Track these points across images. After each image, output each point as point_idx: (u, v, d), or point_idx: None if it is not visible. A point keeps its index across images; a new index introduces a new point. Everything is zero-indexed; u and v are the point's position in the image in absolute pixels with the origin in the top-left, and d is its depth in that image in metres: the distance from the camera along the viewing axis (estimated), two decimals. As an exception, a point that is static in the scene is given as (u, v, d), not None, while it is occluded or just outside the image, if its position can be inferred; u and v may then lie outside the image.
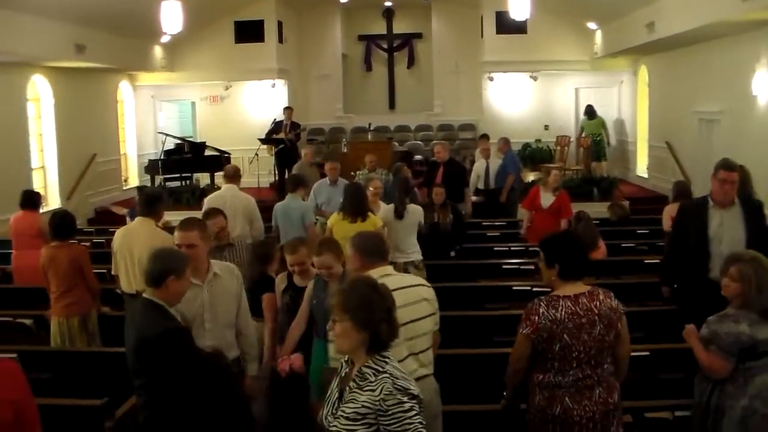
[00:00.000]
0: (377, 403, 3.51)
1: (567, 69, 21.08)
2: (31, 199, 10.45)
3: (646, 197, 18.24)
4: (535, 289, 8.80)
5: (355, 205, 8.93)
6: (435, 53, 23.55)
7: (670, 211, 10.72)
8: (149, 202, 7.98)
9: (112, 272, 7.92)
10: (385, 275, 4.95)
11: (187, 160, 18.68)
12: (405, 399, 3.52)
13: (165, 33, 15.71)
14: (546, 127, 21.60)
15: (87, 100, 18.85)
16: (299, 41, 23.49)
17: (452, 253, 10.87)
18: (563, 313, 4.63)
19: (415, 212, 9.88)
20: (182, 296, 4.93)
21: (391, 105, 24.53)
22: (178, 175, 18.49)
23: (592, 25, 20.08)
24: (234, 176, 9.88)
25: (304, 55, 23.68)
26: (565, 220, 11.11)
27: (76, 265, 7.81)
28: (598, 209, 14.85)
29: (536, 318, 4.66)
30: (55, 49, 15.33)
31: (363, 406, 3.54)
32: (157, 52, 20.51)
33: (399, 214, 9.64)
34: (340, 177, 11.83)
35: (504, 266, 10.08)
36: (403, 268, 9.20)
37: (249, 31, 21.00)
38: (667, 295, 7.94)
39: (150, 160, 19.20)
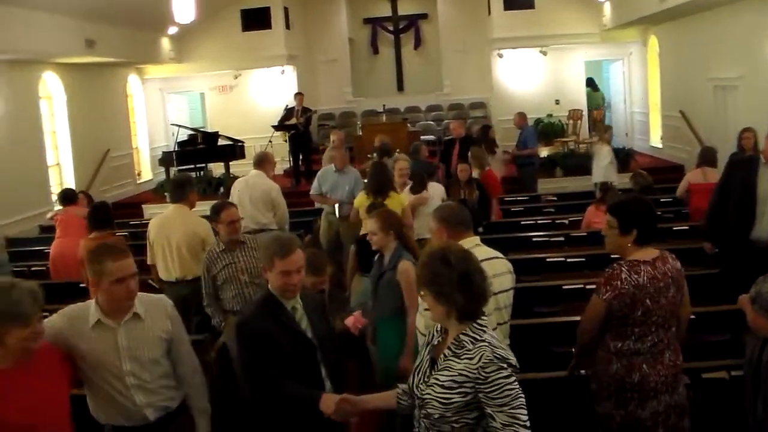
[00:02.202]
0: (476, 371, 3.48)
1: (576, 42, 20.93)
2: (69, 196, 10.61)
3: (662, 167, 18.17)
4: (569, 260, 8.82)
5: (379, 184, 8.91)
6: (442, 33, 23.42)
7: (690, 178, 10.71)
8: (178, 188, 7.95)
9: (148, 262, 7.90)
10: (474, 246, 4.94)
11: (201, 151, 18.62)
12: (504, 366, 3.48)
13: (176, 23, 15.71)
14: (557, 102, 21.48)
15: (97, 95, 18.85)
16: (305, 27, 23.41)
17: (480, 229, 10.83)
18: (645, 278, 4.58)
19: (437, 190, 9.91)
20: None
21: (400, 87, 24.44)
22: (192, 165, 18.47)
23: (600, -3, 20.00)
24: (261, 162, 9.80)
25: (311, 40, 23.60)
26: None
27: (112, 256, 7.78)
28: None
29: (618, 283, 4.60)
30: (66, 44, 15.33)
31: (460, 374, 3.52)
32: (165, 44, 20.48)
33: (417, 191, 9.65)
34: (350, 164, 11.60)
35: (534, 239, 10.05)
36: None
37: (256, 19, 20.95)
38: (710, 251, 7.89)
39: (164, 152, 19.17)
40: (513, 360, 3.55)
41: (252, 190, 9.44)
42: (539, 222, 11.45)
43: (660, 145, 19.93)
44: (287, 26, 21.45)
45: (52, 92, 17.25)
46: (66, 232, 10.33)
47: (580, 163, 17.79)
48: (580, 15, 20.59)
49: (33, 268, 10.95)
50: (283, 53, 21.10)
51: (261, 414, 4.45)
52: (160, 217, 7.97)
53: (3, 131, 14.70)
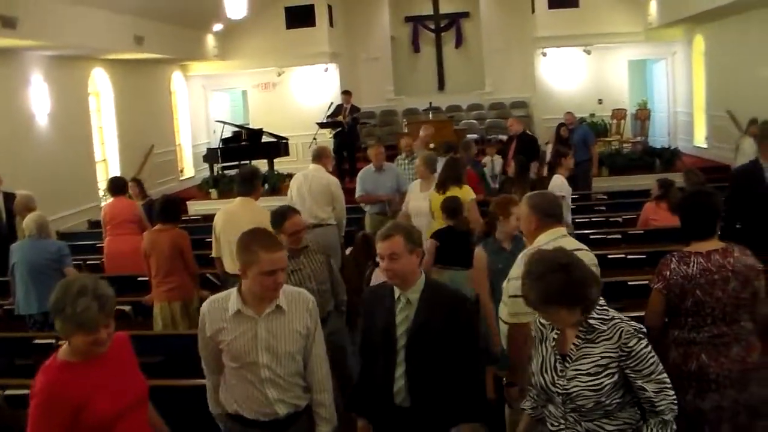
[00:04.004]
0: (617, 349, 3.53)
1: (620, 41, 20.81)
2: (119, 185, 10.62)
3: (708, 167, 18.00)
4: (629, 257, 8.76)
5: (446, 176, 8.94)
6: (484, 31, 23.35)
7: (649, 212, 10.06)
8: (246, 181, 7.99)
9: (214, 255, 7.93)
10: (561, 236, 4.94)
11: (245, 148, 18.69)
12: (641, 337, 3.55)
13: (221, 20, 15.77)
14: (600, 101, 21.38)
15: (143, 91, 19.00)
16: (348, 25, 23.45)
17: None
18: (695, 268, 4.62)
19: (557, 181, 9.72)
20: None
21: (441, 86, 24.37)
22: (236, 162, 18.54)
23: (646, -5, 19.87)
24: (320, 156, 9.80)
25: (353, 38, 23.64)
26: None
27: (177, 250, 7.82)
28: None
29: (667, 273, 4.68)
30: (116, 40, 15.49)
31: (602, 357, 3.55)
32: (209, 41, 20.62)
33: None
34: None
35: (591, 237, 9.99)
36: None
37: (300, 16, 21.02)
38: None
39: (208, 149, 19.28)
40: (644, 328, 3.62)
41: (311, 184, 9.45)
42: (593, 220, 11.39)
43: (705, 145, 19.76)
44: (331, 24, 21.50)
45: (100, 88, 17.39)
46: (116, 230, 10.40)
47: (626, 163, 17.70)
48: (624, 13, 20.50)
49: (88, 262, 11.04)
50: (327, 51, 21.17)
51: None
52: (226, 209, 8.00)
53: (54, 127, 14.84)
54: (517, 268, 4.68)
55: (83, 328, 3.59)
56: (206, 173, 19.81)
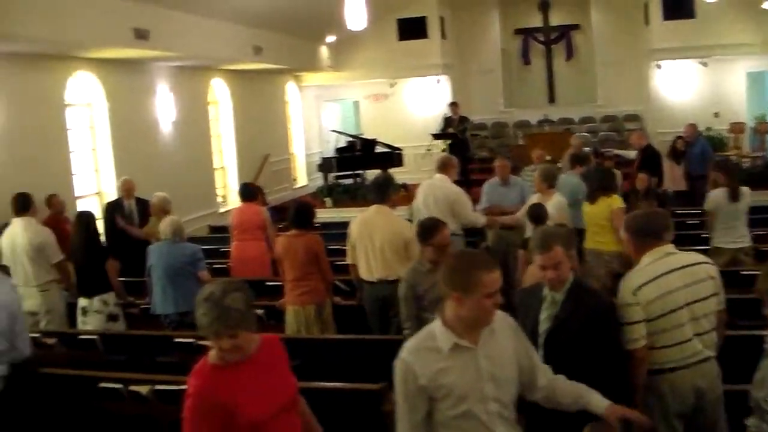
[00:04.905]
0: None
1: (738, 53, 20.30)
2: (249, 191, 10.85)
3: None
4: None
5: (596, 185, 8.89)
6: (596, 44, 23.11)
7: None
8: (380, 189, 8.05)
9: (349, 261, 8.03)
10: (665, 255, 4.80)
11: (359, 158, 18.88)
12: None
13: (335, 32, 15.99)
14: (716, 114, 20.90)
15: (259, 101, 19.39)
16: (459, 37, 23.48)
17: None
18: None
19: (747, 195, 9.45)
20: None
21: (551, 98, 24.21)
22: (350, 172, 18.73)
23: (768, 5, 19.36)
24: (445, 166, 9.76)
25: (464, 50, 23.66)
26: None
27: (311, 254, 7.91)
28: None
29: None
30: (236, 51, 15.91)
31: None
32: (323, 52, 20.89)
33: (734, 196, 9.18)
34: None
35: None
36: (732, 255, 9.10)
37: (412, 28, 21.17)
38: None
39: (323, 158, 19.56)
40: None
41: (436, 193, 9.45)
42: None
43: (829, 160, 19.17)
44: (443, 36, 21.60)
45: (218, 97, 17.80)
46: (243, 235, 10.61)
47: (745, 178, 17.27)
48: (743, 24, 19.97)
49: (214, 266, 11.28)
50: (439, 63, 21.27)
51: None
52: (362, 216, 8.07)
53: (177, 134, 15.31)
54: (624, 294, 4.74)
55: (207, 333, 3.62)
56: (318, 182, 20.04)
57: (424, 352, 3.69)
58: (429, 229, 6.32)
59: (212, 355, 3.76)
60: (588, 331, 4.41)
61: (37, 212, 10.29)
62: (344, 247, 9.78)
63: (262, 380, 3.79)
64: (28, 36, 10.16)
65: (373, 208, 7.94)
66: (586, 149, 18.51)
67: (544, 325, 4.51)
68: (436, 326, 3.74)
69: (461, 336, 3.68)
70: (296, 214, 8.15)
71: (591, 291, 4.74)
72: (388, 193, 7.98)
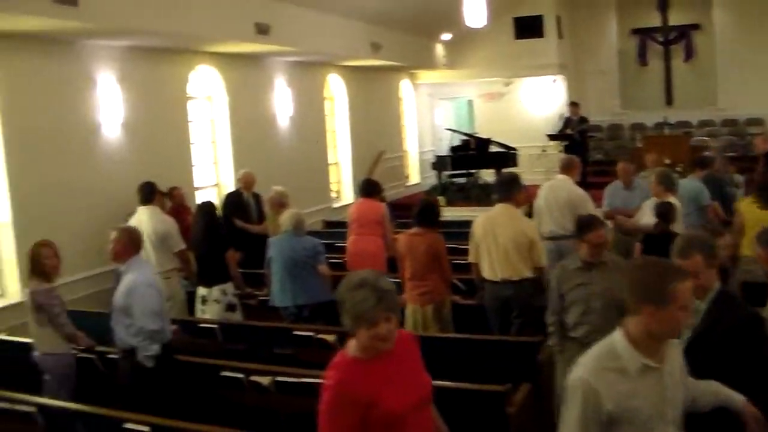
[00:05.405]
0: None
1: None
2: (370, 187, 10.85)
3: None
4: None
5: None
6: (718, 44, 22.44)
7: None
8: (505, 187, 7.95)
9: (471, 260, 7.93)
10: None
11: (473, 157, 18.74)
12: None
13: (459, 27, 15.89)
14: None
15: (374, 98, 19.43)
16: (575, 36, 23.09)
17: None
18: None
19: None
20: None
21: (668, 100, 23.62)
22: (464, 171, 18.61)
23: None
24: (568, 167, 9.65)
25: (579, 50, 23.28)
26: None
27: (433, 253, 7.85)
28: None
29: None
30: (354, 47, 15.97)
31: None
32: (439, 50, 20.84)
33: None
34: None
35: None
36: None
37: (529, 27, 20.93)
38: None
39: (437, 156, 19.50)
40: None
41: (558, 194, 9.30)
42: None
43: None
44: (559, 35, 21.30)
45: (334, 93, 17.91)
46: (361, 229, 10.59)
47: None
48: None
49: (330, 260, 11.30)
50: (555, 62, 21.00)
51: None
52: (486, 215, 7.97)
53: (293, 129, 15.47)
54: None
55: (362, 321, 3.52)
56: (430, 180, 19.97)
57: (608, 373, 3.41)
58: (586, 224, 6.15)
59: (352, 347, 3.70)
60: (728, 344, 4.16)
61: (164, 202, 10.59)
62: (458, 246, 9.76)
63: (401, 374, 3.73)
64: (155, 30, 10.35)
65: (498, 206, 7.83)
66: (709, 153, 18.05)
67: (684, 335, 4.28)
68: (617, 343, 3.48)
69: (648, 354, 3.43)
70: (421, 212, 8.10)
71: (736, 302, 4.48)
72: (513, 191, 7.85)
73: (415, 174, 22.21)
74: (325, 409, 3.63)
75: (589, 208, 9.25)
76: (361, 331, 3.55)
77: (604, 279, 5.95)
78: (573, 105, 18.70)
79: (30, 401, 6.25)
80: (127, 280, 6.52)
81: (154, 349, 6.43)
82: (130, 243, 6.64)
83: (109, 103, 10.97)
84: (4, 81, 9.36)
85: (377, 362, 3.66)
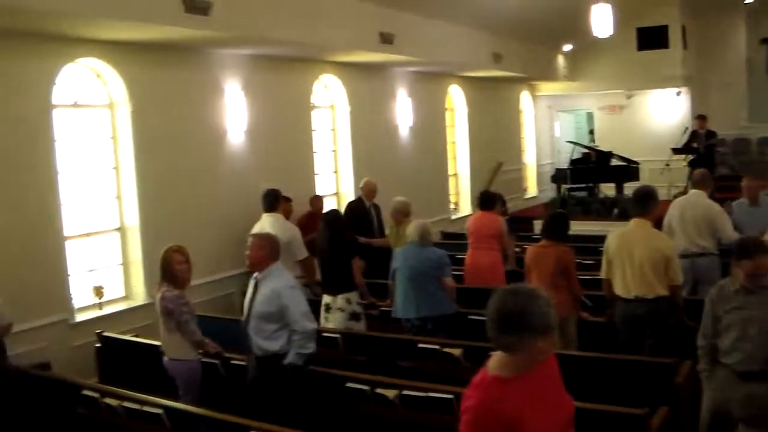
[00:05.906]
0: None
1: None
2: (488, 200, 10.77)
3: None
4: None
5: None
6: None
7: None
8: (640, 201, 7.70)
9: (602, 276, 7.71)
10: None
11: (594, 170, 18.38)
12: None
13: (581, 38, 15.63)
14: None
15: (494, 109, 19.32)
16: (700, 46, 22.46)
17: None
18: None
19: None
20: None
21: (800, 113, 22.75)
22: (584, 185, 18.29)
23: None
24: (701, 182, 9.35)
25: (705, 61, 22.56)
26: None
27: (560, 266, 7.70)
28: None
29: None
30: (476, 58, 15.88)
31: None
32: (560, 61, 20.56)
33: None
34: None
35: None
36: None
37: (653, 38, 20.48)
38: None
39: (557, 169, 19.24)
40: None
41: (694, 211, 9.00)
42: None
43: None
44: (684, 46, 20.75)
45: (455, 104, 17.83)
46: (478, 243, 10.47)
47: None
48: None
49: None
50: (679, 74, 20.49)
51: None
52: (621, 230, 7.73)
53: (414, 139, 15.49)
54: None
55: (549, 330, 3.36)
56: (548, 193, 19.69)
57: None
58: (744, 250, 5.54)
59: (492, 366, 3.54)
60: None
61: (292, 210, 10.71)
62: (582, 261, 9.53)
63: (545, 395, 3.59)
64: (283, 39, 10.45)
65: (634, 221, 7.56)
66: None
67: None
68: None
69: None
70: (550, 224, 7.97)
71: None
72: (650, 206, 7.59)
73: (533, 187, 21.96)
74: (465, 430, 3.49)
75: (728, 223, 8.95)
76: (538, 340, 3.36)
77: (763, 304, 5.48)
78: (700, 118, 18.15)
79: (158, 403, 6.33)
80: (268, 287, 6.53)
81: (311, 347, 6.48)
82: (272, 251, 6.65)
83: (235, 111, 11.14)
84: (134, 88, 9.59)
85: (522, 380, 3.50)
